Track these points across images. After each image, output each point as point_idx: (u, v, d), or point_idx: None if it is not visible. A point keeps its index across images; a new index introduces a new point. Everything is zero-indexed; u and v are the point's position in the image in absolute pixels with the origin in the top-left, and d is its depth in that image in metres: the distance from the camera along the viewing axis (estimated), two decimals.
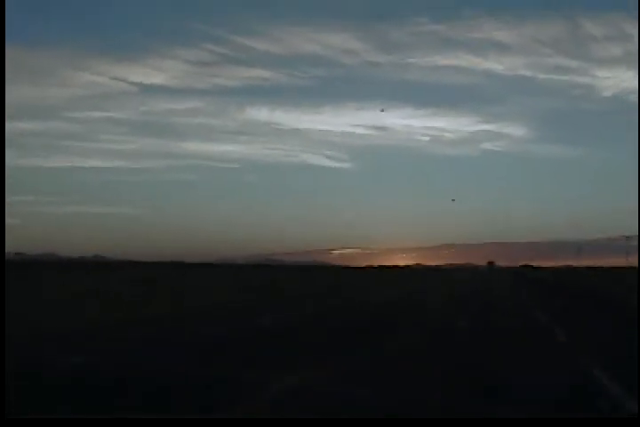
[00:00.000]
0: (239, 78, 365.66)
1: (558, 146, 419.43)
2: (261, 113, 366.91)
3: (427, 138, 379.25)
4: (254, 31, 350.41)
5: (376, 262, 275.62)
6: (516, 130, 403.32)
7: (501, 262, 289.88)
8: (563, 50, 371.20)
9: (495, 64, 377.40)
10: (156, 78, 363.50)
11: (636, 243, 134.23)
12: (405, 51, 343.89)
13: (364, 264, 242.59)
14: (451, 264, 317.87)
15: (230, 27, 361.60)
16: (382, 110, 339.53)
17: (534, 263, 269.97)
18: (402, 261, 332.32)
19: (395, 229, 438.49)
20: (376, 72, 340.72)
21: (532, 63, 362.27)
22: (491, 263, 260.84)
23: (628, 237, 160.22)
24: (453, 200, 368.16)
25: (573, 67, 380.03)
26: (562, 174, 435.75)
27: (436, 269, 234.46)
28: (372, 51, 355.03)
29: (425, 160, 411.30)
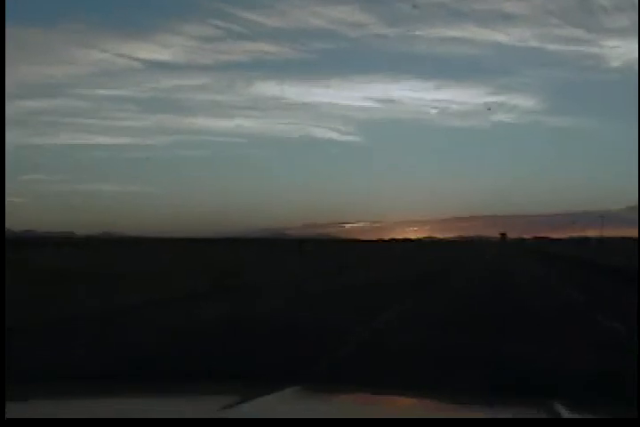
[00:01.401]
0: (246, 53, 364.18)
1: (568, 116, 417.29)
2: (269, 87, 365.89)
3: (435, 110, 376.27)
4: (260, 5, 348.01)
5: (387, 236, 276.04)
6: (526, 101, 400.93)
7: (513, 235, 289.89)
8: (571, 20, 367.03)
9: (503, 35, 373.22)
10: (163, 55, 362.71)
11: None
12: (412, 23, 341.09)
13: (375, 238, 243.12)
14: (462, 237, 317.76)
15: (235, 2, 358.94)
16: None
17: (548, 235, 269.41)
18: (412, 234, 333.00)
19: (405, 202, 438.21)
20: (383, 45, 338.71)
21: (540, 34, 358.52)
22: (503, 235, 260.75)
23: None
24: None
25: (582, 37, 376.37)
26: (573, 145, 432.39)
27: (450, 241, 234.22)
28: (379, 23, 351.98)
29: (434, 132, 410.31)
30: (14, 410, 1.99)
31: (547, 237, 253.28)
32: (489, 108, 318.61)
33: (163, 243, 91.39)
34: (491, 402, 2.81)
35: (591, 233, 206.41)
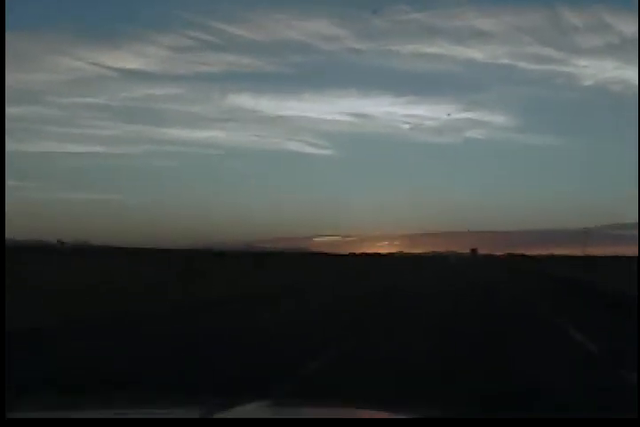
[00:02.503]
0: (221, 64, 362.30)
1: (540, 134, 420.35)
2: (243, 99, 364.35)
3: (407, 125, 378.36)
4: (235, 17, 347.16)
5: (358, 250, 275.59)
6: (498, 118, 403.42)
7: (484, 251, 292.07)
8: (543, 39, 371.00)
9: (476, 52, 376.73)
10: (137, 64, 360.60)
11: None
12: (386, 38, 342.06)
13: (345, 252, 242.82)
14: (433, 252, 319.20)
15: (211, 13, 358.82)
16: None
17: (517, 252, 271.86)
18: (383, 249, 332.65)
19: (376, 216, 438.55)
20: (357, 59, 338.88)
21: (512, 52, 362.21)
22: (474, 251, 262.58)
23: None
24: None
25: (554, 56, 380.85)
26: (544, 163, 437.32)
27: (418, 256, 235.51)
28: (353, 38, 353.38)
29: (406, 148, 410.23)
30: (14, 410, 1.94)
31: (518, 254, 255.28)
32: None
33: (132, 253, 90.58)
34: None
35: (562, 251, 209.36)
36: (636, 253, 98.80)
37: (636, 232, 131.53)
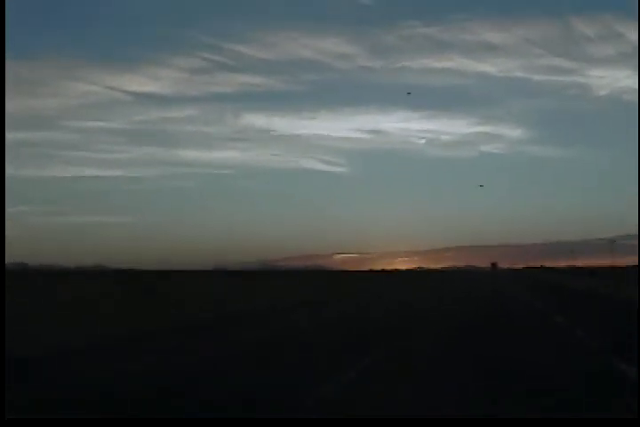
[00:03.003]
0: (234, 85, 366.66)
1: (556, 146, 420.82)
2: (257, 119, 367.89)
3: (422, 141, 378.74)
4: (247, 38, 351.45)
5: (377, 267, 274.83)
6: (513, 131, 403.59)
7: (504, 264, 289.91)
8: (555, 50, 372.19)
9: (488, 66, 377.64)
10: (151, 87, 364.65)
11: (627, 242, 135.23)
12: (398, 54, 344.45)
13: (364, 268, 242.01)
14: (453, 267, 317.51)
15: (223, 34, 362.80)
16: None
17: (538, 264, 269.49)
18: (403, 265, 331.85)
19: (394, 232, 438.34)
20: (370, 76, 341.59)
21: (525, 64, 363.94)
22: (494, 265, 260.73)
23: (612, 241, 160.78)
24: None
25: (567, 67, 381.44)
26: (560, 174, 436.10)
27: (440, 271, 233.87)
28: (365, 55, 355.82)
29: (422, 163, 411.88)
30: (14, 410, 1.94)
31: (537, 267, 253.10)
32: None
33: (151, 275, 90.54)
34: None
35: (583, 262, 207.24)
36: None
37: None
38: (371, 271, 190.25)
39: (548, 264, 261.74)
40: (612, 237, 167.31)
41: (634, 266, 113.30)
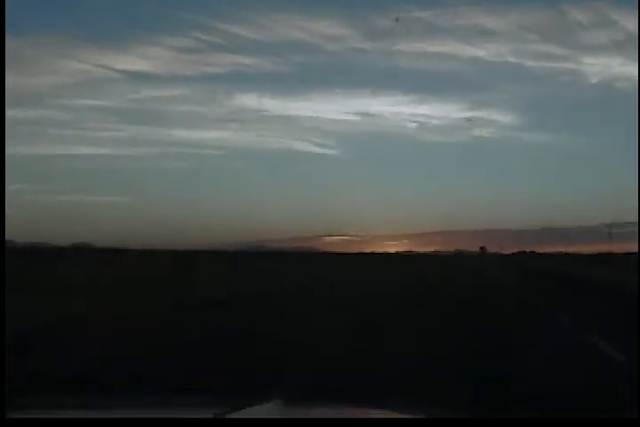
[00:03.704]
0: (226, 65, 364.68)
1: (547, 132, 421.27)
2: (249, 100, 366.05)
3: (414, 124, 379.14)
4: (239, 18, 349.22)
5: (366, 249, 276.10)
6: (505, 116, 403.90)
7: (493, 249, 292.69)
8: (548, 37, 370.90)
9: (481, 51, 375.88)
10: (142, 66, 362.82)
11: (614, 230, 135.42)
12: (391, 37, 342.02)
13: (354, 251, 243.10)
14: (442, 251, 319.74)
15: (215, 14, 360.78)
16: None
17: (527, 249, 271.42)
18: (392, 248, 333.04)
19: (384, 216, 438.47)
20: (363, 59, 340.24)
21: (517, 50, 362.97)
22: (482, 249, 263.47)
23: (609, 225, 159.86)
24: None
25: (559, 54, 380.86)
26: (551, 160, 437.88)
27: (430, 255, 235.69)
28: (359, 37, 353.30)
29: (413, 147, 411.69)
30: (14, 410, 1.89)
31: (526, 252, 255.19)
32: (469, 119, 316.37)
33: (143, 254, 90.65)
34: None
35: (575, 248, 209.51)
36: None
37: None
38: (361, 254, 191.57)
39: (539, 250, 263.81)
40: (606, 224, 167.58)
41: (630, 253, 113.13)
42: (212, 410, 2.28)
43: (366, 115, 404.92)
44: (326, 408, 2.91)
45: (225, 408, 2.30)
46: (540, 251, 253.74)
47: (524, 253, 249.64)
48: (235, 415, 2.19)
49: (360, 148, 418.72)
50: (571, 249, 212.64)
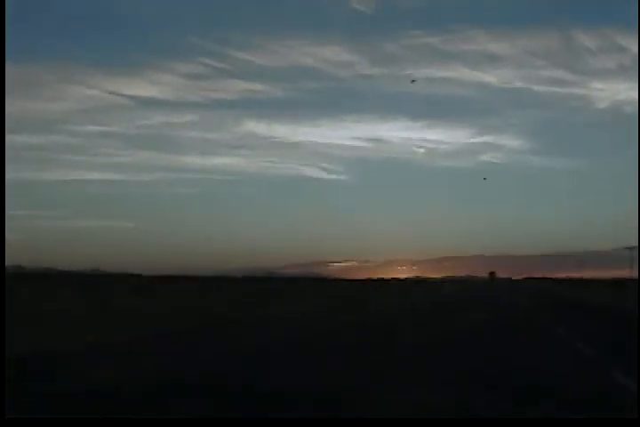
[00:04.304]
0: (235, 92, 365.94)
1: (556, 157, 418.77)
2: (258, 126, 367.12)
3: (422, 150, 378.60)
4: (249, 45, 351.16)
5: (375, 275, 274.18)
6: (512, 142, 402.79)
7: (502, 274, 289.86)
8: (556, 62, 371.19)
9: (489, 76, 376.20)
10: (152, 92, 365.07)
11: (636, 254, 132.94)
12: (400, 63, 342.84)
13: (363, 277, 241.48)
14: (451, 276, 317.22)
15: (226, 41, 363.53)
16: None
17: (536, 275, 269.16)
18: (401, 273, 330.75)
19: (393, 241, 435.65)
20: (371, 85, 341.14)
21: (526, 75, 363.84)
22: (492, 274, 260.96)
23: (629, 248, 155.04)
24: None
25: (568, 79, 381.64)
26: (560, 186, 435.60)
27: (439, 281, 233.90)
28: (367, 64, 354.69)
29: (422, 172, 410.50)
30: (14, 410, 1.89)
31: (536, 277, 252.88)
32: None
33: (151, 280, 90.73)
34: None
35: (582, 273, 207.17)
36: None
37: None
38: (369, 280, 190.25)
39: (549, 275, 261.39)
40: (618, 248, 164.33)
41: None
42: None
43: (375, 140, 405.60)
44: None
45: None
46: (550, 276, 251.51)
47: (533, 278, 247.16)
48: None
49: (369, 173, 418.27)
50: (578, 274, 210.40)
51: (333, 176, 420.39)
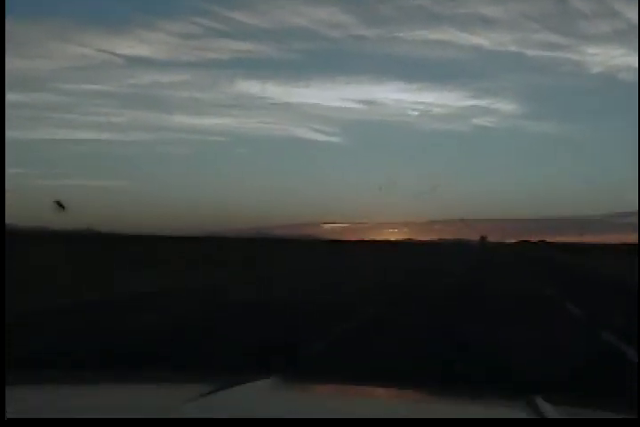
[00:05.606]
0: (227, 51, 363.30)
1: (548, 121, 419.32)
2: (251, 86, 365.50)
3: (416, 112, 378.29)
4: (242, 4, 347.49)
5: (366, 237, 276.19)
6: (506, 105, 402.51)
7: (494, 238, 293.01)
8: (551, 26, 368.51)
9: (483, 39, 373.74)
10: (143, 51, 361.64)
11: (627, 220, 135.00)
12: (393, 25, 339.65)
13: (354, 238, 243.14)
14: (442, 239, 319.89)
15: (218, 0, 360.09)
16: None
17: (528, 239, 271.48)
18: (392, 236, 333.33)
19: (384, 203, 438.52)
20: (364, 46, 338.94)
21: (519, 39, 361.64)
22: (483, 238, 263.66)
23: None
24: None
25: (562, 43, 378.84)
26: (552, 150, 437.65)
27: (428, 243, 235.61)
28: (360, 25, 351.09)
29: (415, 135, 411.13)
30: (14, 410, 1.88)
31: (528, 241, 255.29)
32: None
33: (141, 240, 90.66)
34: (486, 402, 2.55)
35: (572, 239, 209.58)
36: None
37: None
38: (361, 241, 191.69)
39: (537, 239, 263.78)
40: (607, 214, 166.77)
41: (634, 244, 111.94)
42: (200, 388, 2.17)
43: (368, 102, 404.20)
44: (327, 386, 2.81)
45: (215, 386, 2.17)
46: (544, 240, 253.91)
47: (525, 242, 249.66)
48: (226, 395, 2.06)
49: (362, 135, 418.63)
50: (571, 239, 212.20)
51: (325, 137, 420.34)
